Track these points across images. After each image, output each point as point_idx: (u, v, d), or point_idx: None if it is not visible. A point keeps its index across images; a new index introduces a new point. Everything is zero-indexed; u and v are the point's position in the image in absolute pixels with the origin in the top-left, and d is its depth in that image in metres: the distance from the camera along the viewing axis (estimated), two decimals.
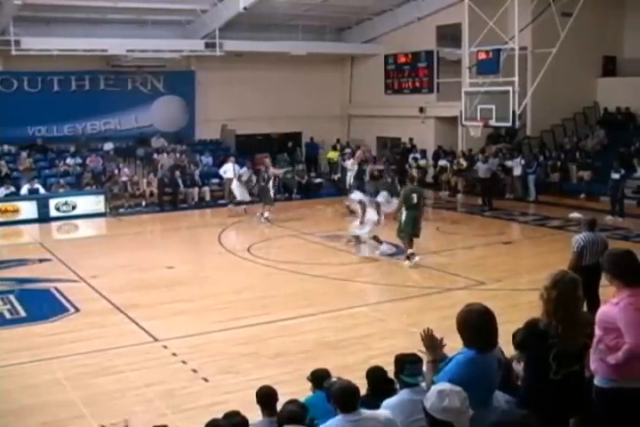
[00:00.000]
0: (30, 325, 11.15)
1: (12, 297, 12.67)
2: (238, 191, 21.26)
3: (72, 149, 25.03)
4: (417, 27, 26.58)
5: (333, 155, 27.76)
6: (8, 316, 11.70)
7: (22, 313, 11.83)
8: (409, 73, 27.91)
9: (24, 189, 21.78)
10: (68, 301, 12.37)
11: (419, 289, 12.65)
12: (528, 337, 4.73)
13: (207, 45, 25.26)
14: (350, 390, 4.55)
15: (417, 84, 27.67)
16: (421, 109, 26.70)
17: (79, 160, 24.51)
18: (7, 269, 15.08)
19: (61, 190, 22.36)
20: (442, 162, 25.49)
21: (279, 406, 5.33)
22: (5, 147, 24.51)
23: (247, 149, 27.38)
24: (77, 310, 11.88)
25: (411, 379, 4.83)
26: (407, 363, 4.92)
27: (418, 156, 25.94)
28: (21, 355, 9.61)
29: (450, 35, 25.35)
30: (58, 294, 12.84)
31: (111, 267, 14.82)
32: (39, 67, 24.19)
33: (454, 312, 4.41)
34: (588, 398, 4.78)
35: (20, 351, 9.76)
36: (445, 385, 3.81)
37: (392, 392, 5.06)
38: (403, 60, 28.14)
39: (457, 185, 24.31)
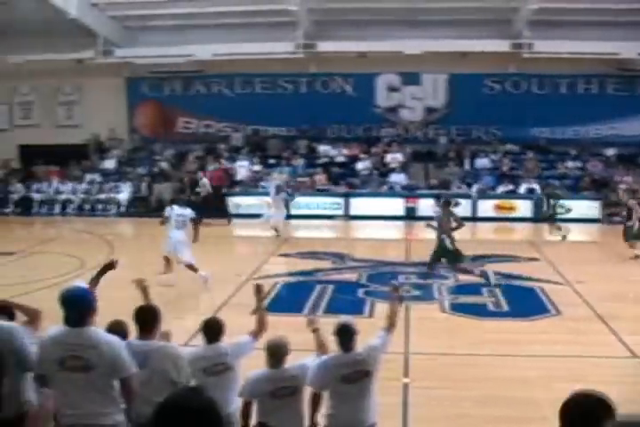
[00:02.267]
0: (510, 320, 11.39)
1: (497, 291, 13.12)
2: None
3: (573, 152, 24.88)
4: None
5: None
6: (491, 308, 12.12)
7: (505, 308, 12.14)
8: None
9: (522, 188, 22.35)
10: (551, 302, 12.36)
11: None
12: None
13: None
14: None
15: None
16: None
17: (579, 164, 24.31)
18: (497, 263, 15.62)
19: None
20: None
21: None
22: (509, 146, 25.40)
23: None
24: (558, 312, 11.80)
25: None
26: None
27: None
28: (494, 347, 9.86)
29: None
30: (542, 295, 12.92)
31: (598, 274, 14.41)
32: (548, 69, 24.51)
33: None
34: None
35: (494, 344, 10.02)
36: None
37: None
38: None
39: None
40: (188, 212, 13.92)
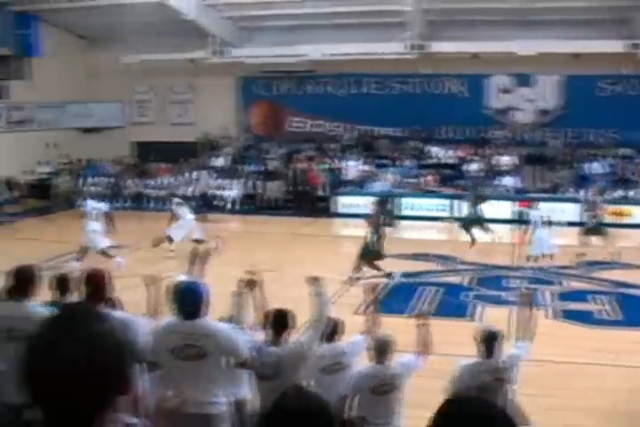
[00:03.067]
0: (624, 329, 11.04)
1: (609, 298, 12.70)
2: None
3: None
4: None
5: None
6: (602, 316, 11.76)
7: (618, 316, 11.77)
8: None
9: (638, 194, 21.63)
10: None
11: None
12: None
13: None
14: None
15: None
16: None
17: None
18: (608, 270, 15.13)
19: None
20: None
21: None
22: (622, 150, 24.49)
23: None
24: None
25: None
26: None
27: None
28: (604, 356, 9.57)
29: None
30: None
31: None
32: None
33: None
34: None
35: (605, 352, 9.72)
36: None
37: None
38: None
39: None
40: (102, 205, 15.85)
